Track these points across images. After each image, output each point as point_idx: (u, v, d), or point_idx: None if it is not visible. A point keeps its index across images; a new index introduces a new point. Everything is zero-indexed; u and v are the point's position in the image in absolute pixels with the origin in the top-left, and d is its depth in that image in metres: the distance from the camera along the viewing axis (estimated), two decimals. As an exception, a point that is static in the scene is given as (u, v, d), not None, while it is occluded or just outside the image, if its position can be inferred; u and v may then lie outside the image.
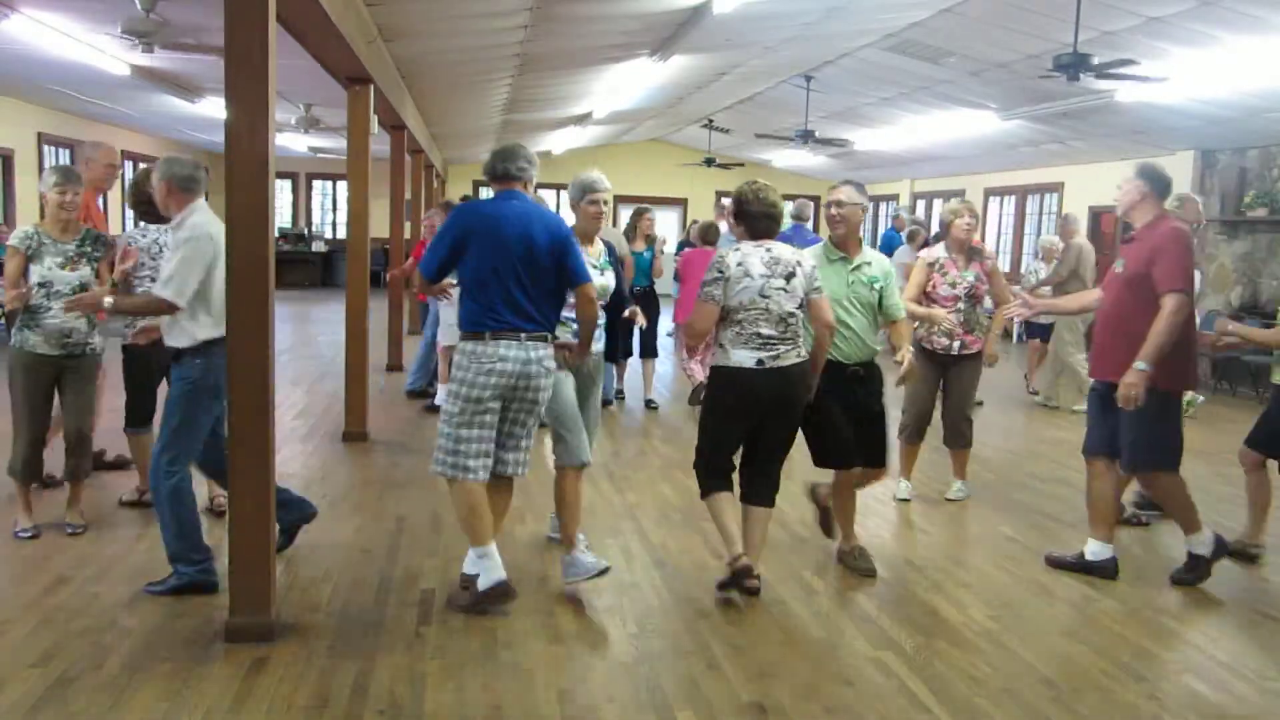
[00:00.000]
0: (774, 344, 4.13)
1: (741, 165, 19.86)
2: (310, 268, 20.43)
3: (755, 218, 4.24)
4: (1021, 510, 5.90)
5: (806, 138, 13.19)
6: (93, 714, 3.14)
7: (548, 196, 21.93)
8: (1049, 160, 14.51)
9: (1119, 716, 3.43)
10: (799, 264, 4.19)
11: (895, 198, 19.59)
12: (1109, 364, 4.55)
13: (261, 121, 3.54)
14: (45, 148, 13.31)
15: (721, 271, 4.13)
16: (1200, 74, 8.61)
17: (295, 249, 20.13)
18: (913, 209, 18.37)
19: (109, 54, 8.72)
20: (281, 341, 11.31)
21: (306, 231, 21.04)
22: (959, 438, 5.98)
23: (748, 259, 4.15)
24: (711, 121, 17.22)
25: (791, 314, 4.15)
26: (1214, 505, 6.16)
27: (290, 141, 15.80)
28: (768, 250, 4.18)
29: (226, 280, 3.63)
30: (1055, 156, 14.15)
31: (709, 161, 18.25)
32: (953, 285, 5.73)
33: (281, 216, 21.02)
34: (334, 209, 21.73)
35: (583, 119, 15.56)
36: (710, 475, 4.32)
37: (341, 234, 19.50)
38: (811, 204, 11.06)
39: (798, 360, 4.19)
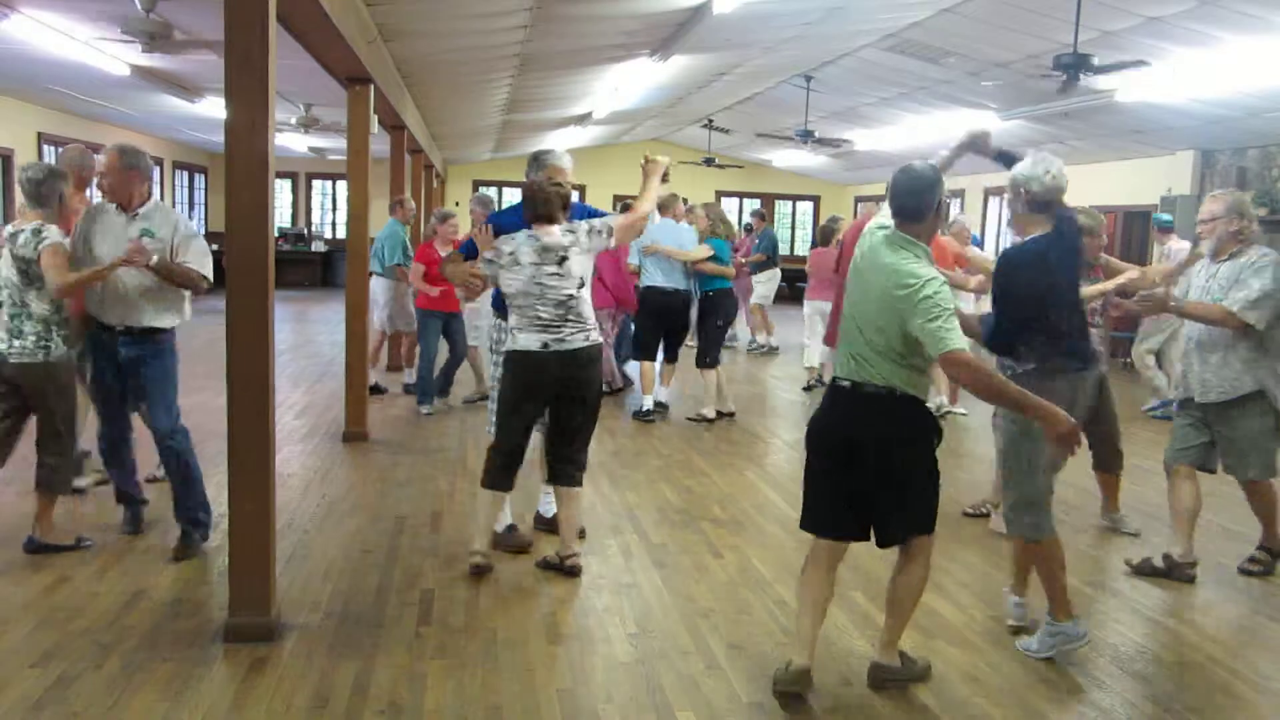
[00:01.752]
0: (556, 327, 4.31)
1: (740, 167, 19.89)
2: (310, 268, 20.44)
3: (526, 202, 4.41)
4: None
5: (806, 138, 13.19)
6: (93, 714, 3.14)
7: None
8: (1049, 160, 14.50)
9: (1119, 716, 3.43)
10: (572, 245, 4.35)
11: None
12: None
13: (261, 121, 3.55)
14: (45, 147, 13.30)
15: (493, 259, 4.35)
16: (1200, 74, 8.60)
17: (295, 249, 20.13)
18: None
19: (109, 54, 8.72)
20: (281, 341, 11.31)
21: (306, 231, 21.04)
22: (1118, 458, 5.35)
23: (520, 248, 4.32)
24: (711, 121, 17.21)
25: (572, 296, 4.31)
26: (1211, 503, 6.15)
27: (290, 141, 15.80)
28: (538, 239, 4.32)
29: (227, 279, 3.63)
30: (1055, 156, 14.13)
31: (709, 161, 18.25)
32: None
33: (281, 216, 21.02)
34: (334, 209, 21.72)
35: (583, 119, 15.55)
36: (499, 468, 4.45)
37: (341, 234, 19.49)
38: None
39: (585, 344, 4.34)
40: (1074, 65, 7.23)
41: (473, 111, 13.36)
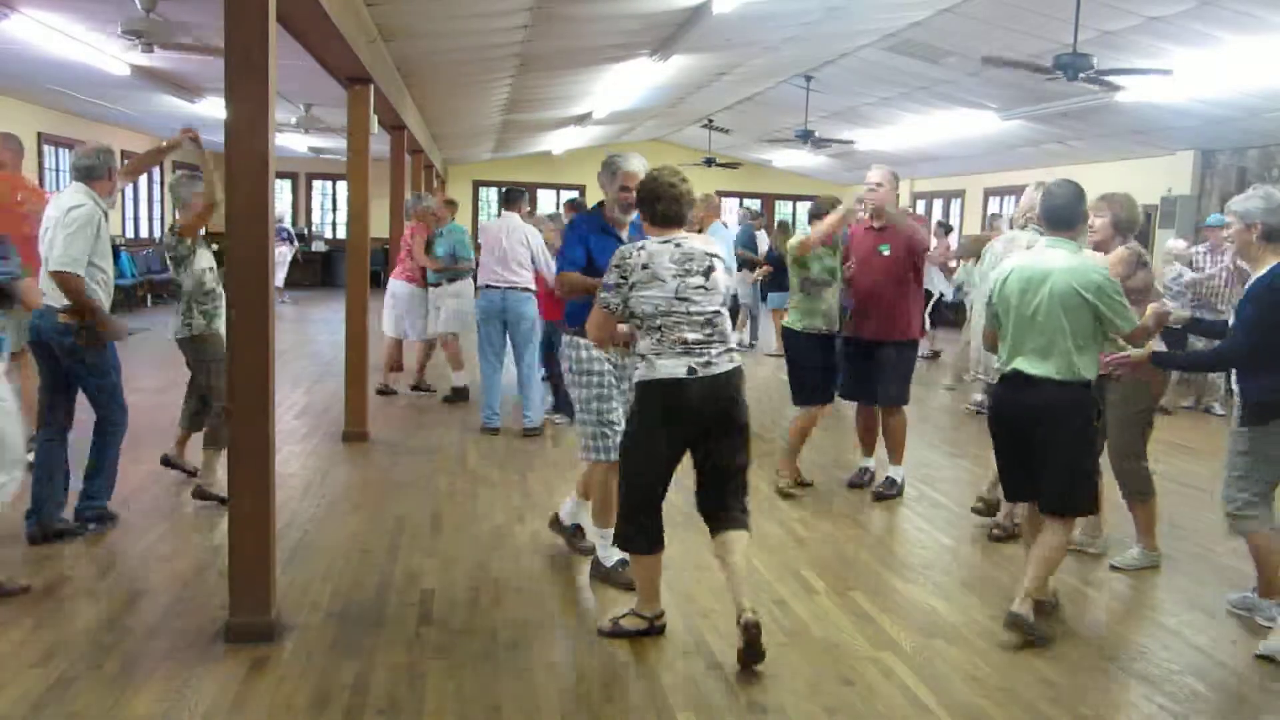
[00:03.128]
0: (701, 349, 3.63)
1: (738, 166, 19.87)
2: (310, 268, 20.41)
3: (661, 202, 3.71)
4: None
5: (806, 138, 13.19)
6: (93, 714, 3.14)
7: (546, 198, 21.94)
8: (1049, 160, 14.51)
9: (1119, 716, 3.43)
10: (716, 255, 3.71)
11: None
12: (883, 327, 5.83)
13: (261, 121, 3.55)
14: (45, 148, 13.31)
15: (624, 276, 3.63)
16: (1200, 74, 8.60)
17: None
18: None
19: (109, 54, 8.72)
20: (281, 341, 11.30)
21: (306, 231, 21.02)
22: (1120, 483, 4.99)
23: (654, 259, 3.61)
24: (711, 121, 17.20)
25: (718, 313, 3.69)
26: (1211, 503, 6.15)
27: (290, 141, 15.80)
28: (677, 245, 3.65)
29: (227, 279, 3.64)
30: (1055, 156, 14.14)
31: (709, 161, 18.24)
32: None
33: (281, 217, 20.98)
34: (334, 209, 21.71)
35: (583, 119, 15.55)
36: (641, 525, 3.85)
37: (341, 234, 19.46)
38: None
39: (730, 366, 3.68)
40: (1074, 65, 7.23)
41: (473, 111, 13.36)
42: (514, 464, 6.63)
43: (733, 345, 3.74)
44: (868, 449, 6.26)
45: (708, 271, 3.65)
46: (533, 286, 7.47)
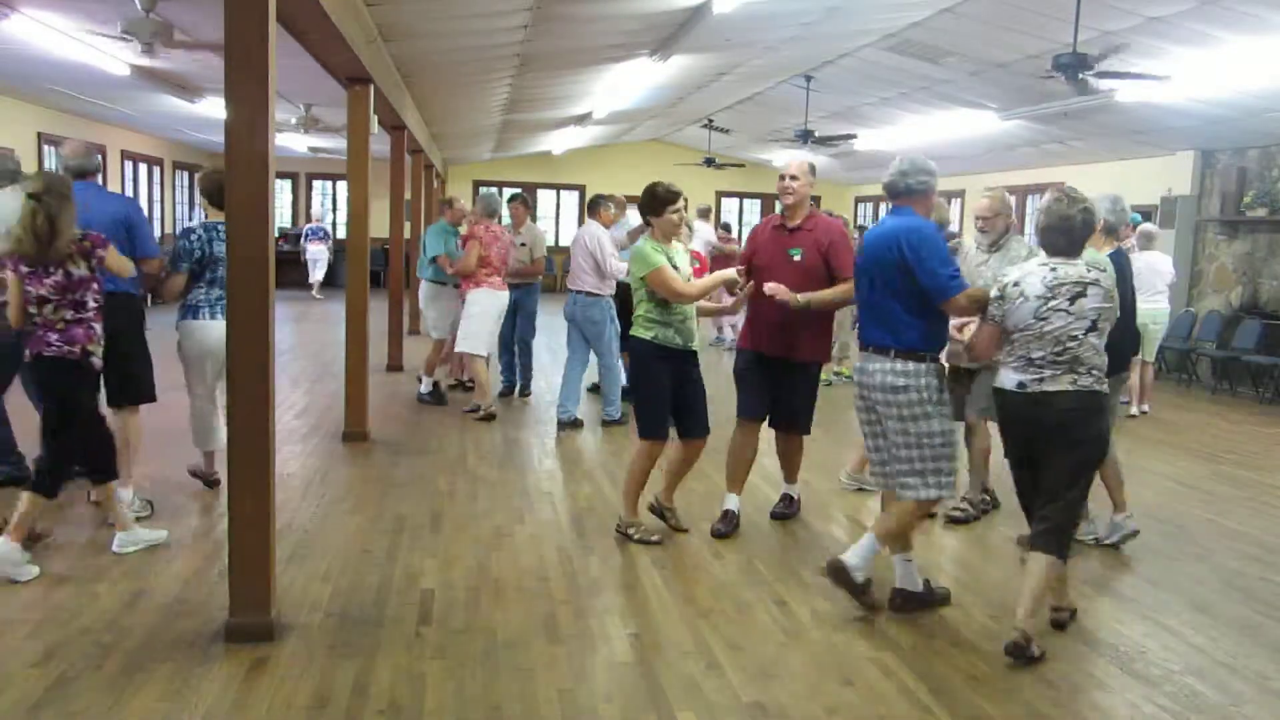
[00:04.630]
0: (1039, 367, 3.82)
1: (741, 165, 19.90)
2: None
3: (1043, 231, 3.89)
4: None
5: (806, 138, 13.19)
6: (93, 714, 3.14)
7: (546, 198, 21.96)
8: (1049, 160, 14.52)
9: (1119, 716, 3.43)
10: (1094, 283, 3.80)
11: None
12: (781, 343, 5.14)
13: (261, 121, 3.55)
14: (45, 147, 13.30)
15: (1002, 294, 3.91)
16: (1200, 74, 8.61)
17: (295, 249, 20.10)
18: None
19: (109, 54, 8.72)
20: (281, 341, 11.31)
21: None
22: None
23: (1027, 279, 3.86)
24: (711, 121, 17.21)
25: (1074, 338, 3.77)
26: (1211, 503, 6.16)
27: (290, 141, 15.80)
28: (1052, 270, 3.82)
29: (228, 279, 3.64)
30: (1055, 156, 14.14)
31: (709, 161, 18.25)
32: None
33: (281, 216, 20.99)
34: (334, 209, 21.71)
35: (583, 119, 15.55)
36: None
37: (341, 234, 19.45)
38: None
39: (1069, 388, 3.78)
40: (1073, 65, 7.23)
41: (473, 111, 13.36)
42: (514, 464, 6.63)
43: (1081, 371, 3.79)
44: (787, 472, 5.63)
45: (1074, 298, 3.78)
46: (598, 291, 7.70)
